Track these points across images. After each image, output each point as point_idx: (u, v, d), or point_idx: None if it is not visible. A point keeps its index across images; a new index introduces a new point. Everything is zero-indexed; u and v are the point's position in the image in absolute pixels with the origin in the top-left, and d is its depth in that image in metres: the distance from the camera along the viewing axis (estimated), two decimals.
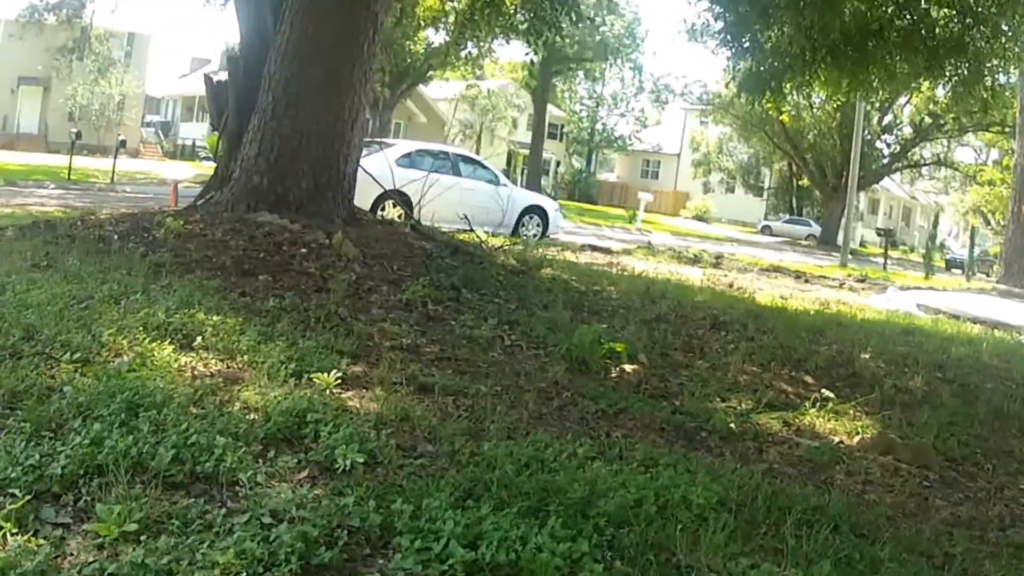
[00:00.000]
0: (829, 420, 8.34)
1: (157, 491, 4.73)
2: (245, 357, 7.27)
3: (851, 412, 8.72)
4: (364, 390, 6.97)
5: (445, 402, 7.00)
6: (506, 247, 16.21)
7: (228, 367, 7.05)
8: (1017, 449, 8.29)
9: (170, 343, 7.29)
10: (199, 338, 7.51)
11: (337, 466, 5.30)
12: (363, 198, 15.90)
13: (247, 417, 5.89)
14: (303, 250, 11.09)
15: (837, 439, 7.81)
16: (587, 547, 4.50)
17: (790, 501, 5.70)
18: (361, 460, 5.35)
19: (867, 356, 11.49)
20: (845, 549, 5.12)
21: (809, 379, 9.94)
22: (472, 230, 16.70)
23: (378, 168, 19.34)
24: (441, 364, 8.13)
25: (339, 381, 6.83)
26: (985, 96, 18.25)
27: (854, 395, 9.33)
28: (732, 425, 7.55)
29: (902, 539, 5.49)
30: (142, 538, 4.23)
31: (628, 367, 8.91)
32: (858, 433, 8.03)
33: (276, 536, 4.27)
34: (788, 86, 18.21)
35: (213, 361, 7.12)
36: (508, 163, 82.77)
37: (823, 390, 9.14)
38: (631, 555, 4.63)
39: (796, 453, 7.21)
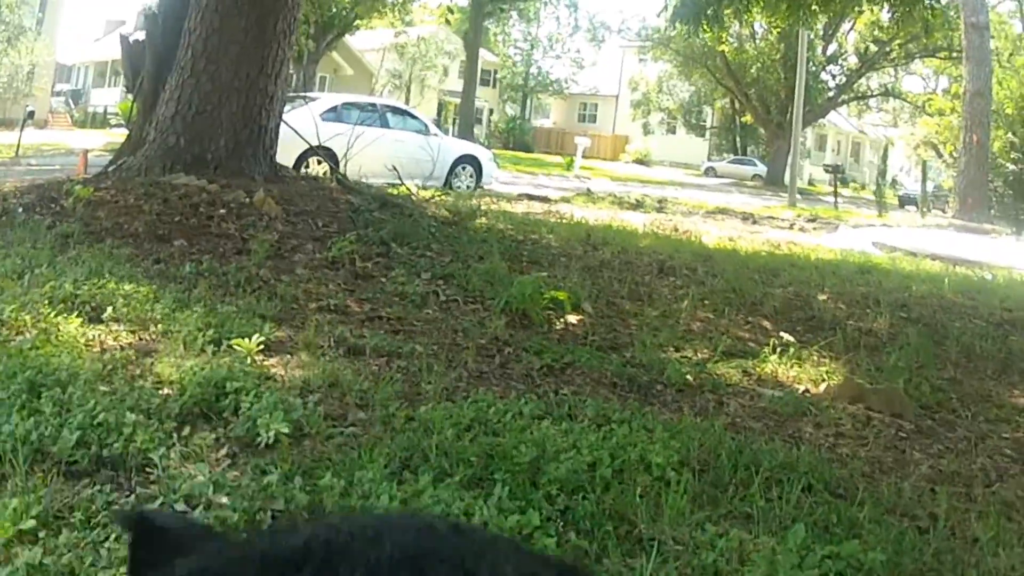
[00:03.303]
0: (791, 367, 8.15)
1: (59, 480, 4.48)
2: (159, 327, 7.05)
3: (814, 357, 8.54)
4: (289, 355, 6.78)
5: (377, 364, 6.85)
6: (437, 198, 15.96)
7: (140, 339, 6.88)
8: (995, 393, 8.16)
9: (78, 316, 7.07)
10: (109, 309, 7.30)
11: (259, 440, 5.09)
12: (286, 155, 15.94)
13: (160, 392, 5.69)
14: (222, 211, 10.92)
15: (802, 388, 7.65)
16: (538, 519, 4.31)
17: (756, 458, 5.51)
18: (286, 431, 5.12)
19: (824, 297, 11.35)
20: (820, 511, 4.95)
21: (766, 323, 9.78)
22: (401, 183, 16.42)
23: (302, 123, 19.07)
24: (372, 324, 8.01)
25: (261, 347, 6.60)
26: (926, 15, 18.27)
27: (815, 339, 9.18)
28: (688, 376, 7.36)
29: (881, 498, 5.31)
30: (40, 535, 3.99)
31: (572, 318, 8.77)
32: (824, 380, 7.87)
33: None
34: (727, 12, 17.97)
35: (124, 333, 6.91)
36: (439, 113, 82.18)
37: (782, 335, 8.98)
38: (587, 527, 4.45)
39: (759, 404, 7.06)
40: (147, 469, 4.68)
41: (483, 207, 17.11)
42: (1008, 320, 11.18)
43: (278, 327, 7.39)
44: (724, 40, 42.93)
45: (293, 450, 5.03)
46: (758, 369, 7.97)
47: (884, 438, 6.65)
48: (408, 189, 15.82)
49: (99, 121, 70.45)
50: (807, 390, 7.58)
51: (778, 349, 8.44)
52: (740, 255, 14.82)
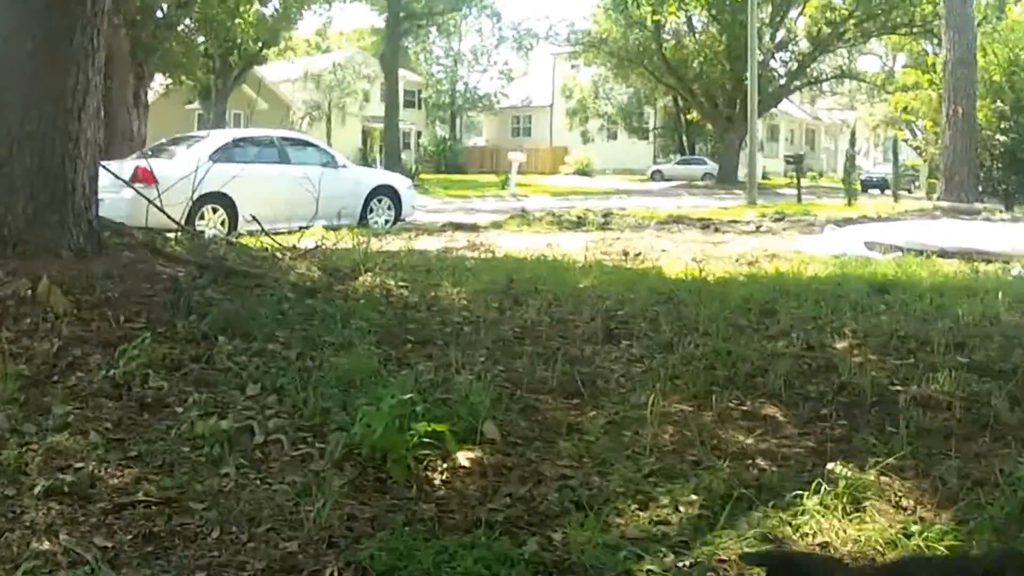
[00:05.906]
0: (845, 515, 4.75)
1: None
2: None
3: (874, 479, 5.13)
4: None
5: None
6: (323, 241, 13.53)
7: None
8: None
9: None
10: None
11: None
12: (175, 208, 13.87)
13: None
14: None
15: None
16: None
17: None
18: None
19: (846, 344, 8.20)
20: None
21: (776, 412, 6.54)
22: (264, 231, 14.09)
23: (189, 167, 16.97)
24: (119, 519, 4.72)
25: None
26: None
27: (857, 429, 6.07)
28: None
29: None
30: None
31: (465, 457, 5.34)
32: (912, 541, 4.46)
33: None
34: None
35: None
36: (364, 141, 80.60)
37: (833, 466, 5.61)
38: None
39: None
40: None
41: (388, 249, 14.59)
42: None
43: None
44: (673, 11, 41.21)
45: None
46: (793, 526, 4.64)
47: None
48: (276, 242, 13.10)
49: None
50: None
51: (813, 478, 5.10)
52: (713, 286, 11.35)
